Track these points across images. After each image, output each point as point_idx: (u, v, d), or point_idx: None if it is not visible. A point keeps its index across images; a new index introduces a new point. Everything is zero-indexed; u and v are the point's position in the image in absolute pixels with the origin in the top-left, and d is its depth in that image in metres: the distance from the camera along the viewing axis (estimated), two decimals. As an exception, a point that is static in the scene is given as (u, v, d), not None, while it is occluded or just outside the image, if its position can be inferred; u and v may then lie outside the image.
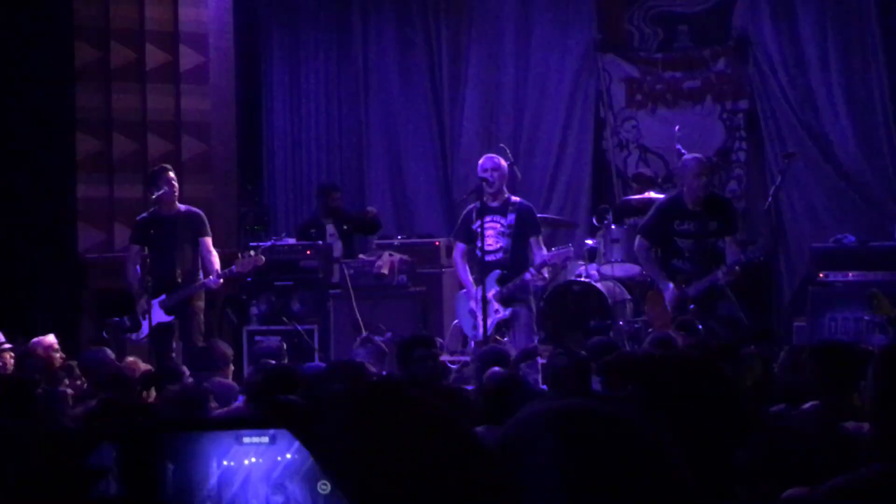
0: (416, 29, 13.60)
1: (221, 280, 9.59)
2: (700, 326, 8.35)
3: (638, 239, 9.55)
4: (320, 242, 11.55)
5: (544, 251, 9.35)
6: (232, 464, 1.85)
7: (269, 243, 11.56)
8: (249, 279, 10.84)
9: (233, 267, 9.62)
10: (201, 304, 9.63)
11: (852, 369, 5.13)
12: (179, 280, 9.52)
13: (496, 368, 6.54)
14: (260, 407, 3.24)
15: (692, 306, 9.00)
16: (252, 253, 9.86)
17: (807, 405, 5.01)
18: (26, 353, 8.04)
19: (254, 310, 11.37)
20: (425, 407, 1.75)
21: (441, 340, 11.05)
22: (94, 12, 11.47)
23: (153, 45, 11.58)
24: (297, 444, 1.83)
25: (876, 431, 2.77)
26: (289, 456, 1.84)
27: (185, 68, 11.68)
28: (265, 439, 1.86)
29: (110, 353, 8.20)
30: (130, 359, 8.20)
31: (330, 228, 11.96)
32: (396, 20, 13.66)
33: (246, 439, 1.85)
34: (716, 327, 8.72)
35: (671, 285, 9.11)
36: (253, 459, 1.85)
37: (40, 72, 11.41)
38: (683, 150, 10.70)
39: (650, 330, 10.13)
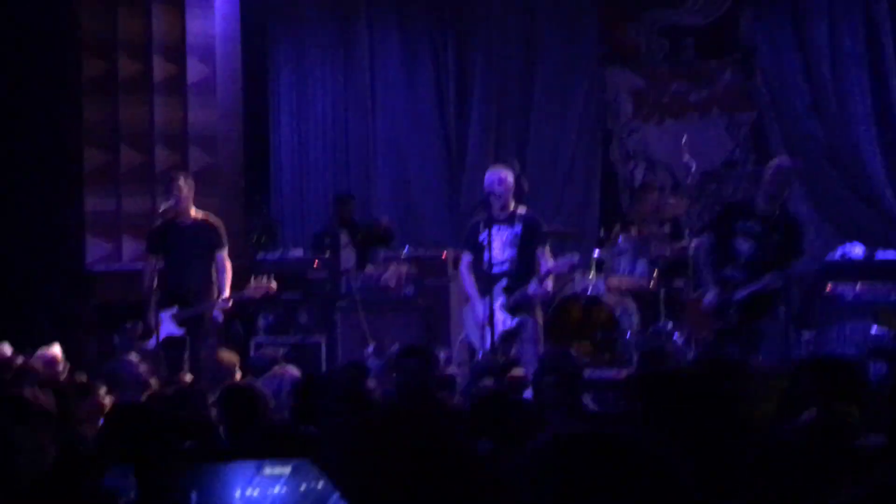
0: (423, 42, 13.61)
1: (231, 303, 9.57)
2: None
3: (699, 239, 9.40)
4: (327, 255, 11.56)
5: (550, 261, 9.35)
6: (255, 493, 1.85)
7: (276, 255, 11.59)
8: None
9: (244, 292, 9.58)
10: (218, 319, 9.60)
11: (849, 383, 5.17)
12: (193, 293, 9.50)
13: (487, 381, 6.55)
14: (279, 436, 3.25)
15: (731, 311, 8.75)
16: (265, 278, 9.79)
17: (803, 416, 5.04)
18: (23, 370, 7.85)
19: (261, 321, 11.38)
20: (439, 432, 1.77)
21: (448, 352, 11.05)
22: (101, 25, 11.49)
23: (160, 57, 11.60)
24: (318, 473, 1.83)
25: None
26: (311, 485, 1.85)
27: (193, 80, 11.69)
28: (287, 469, 1.86)
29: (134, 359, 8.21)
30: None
31: (344, 238, 11.97)
32: (401, 33, 13.68)
33: (268, 469, 1.86)
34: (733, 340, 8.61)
35: (714, 294, 8.86)
36: (276, 489, 1.86)
37: (48, 84, 11.45)
38: (691, 163, 10.70)
39: (678, 337, 10.17)
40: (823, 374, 5.43)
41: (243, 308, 10.79)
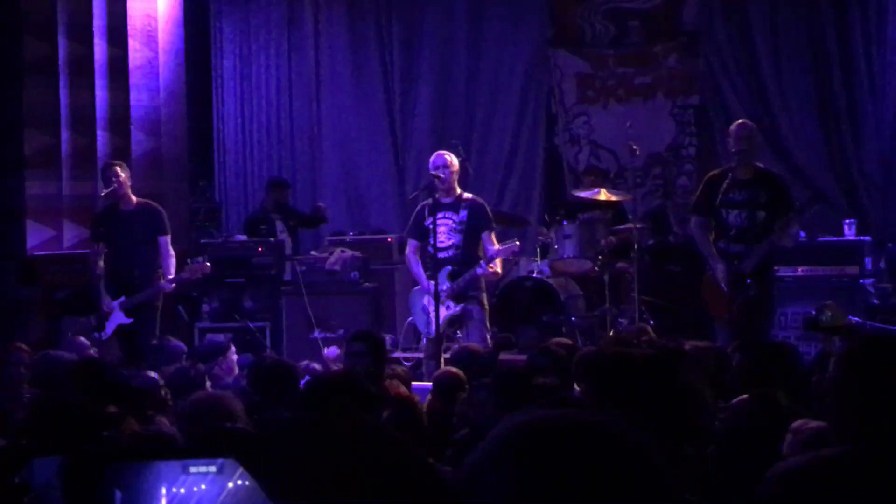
0: (368, 24, 13.57)
1: (174, 285, 9.54)
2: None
3: (691, 218, 9.26)
4: (272, 239, 11.51)
5: (496, 246, 9.35)
6: (181, 491, 1.83)
7: (220, 240, 11.53)
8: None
9: (181, 275, 9.55)
10: (159, 304, 9.57)
11: (778, 367, 5.23)
12: (138, 279, 9.45)
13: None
14: (206, 434, 3.22)
15: (749, 281, 8.56)
16: (200, 259, 9.81)
17: (735, 401, 5.09)
18: None
19: (205, 307, 11.33)
20: (376, 432, 1.75)
21: (394, 337, 11.06)
22: (41, 6, 11.34)
23: (102, 41, 11.47)
24: (244, 472, 1.81)
25: (835, 426, 2.86)
26: (237, 483, 1.83)
27: (135, 64, 11.56)
28: (213, 468, 1.85)
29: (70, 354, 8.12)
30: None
31: (279, 225, 11.92)
32: (348, 15, 13.64)
33: (193, 468, 1.84)
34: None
35: (722, 265, 8.66)
36: (202, 487, 1.84)
37: (-13, 66, 11.30)
38: (635, 146, 10.75)
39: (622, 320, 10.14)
40: (754, 359, 5.50)
41: (184, 291, 10.74)
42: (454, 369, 6.76)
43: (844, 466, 2.64)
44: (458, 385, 6.45)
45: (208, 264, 9.80)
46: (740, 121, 9.24)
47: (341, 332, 10.37)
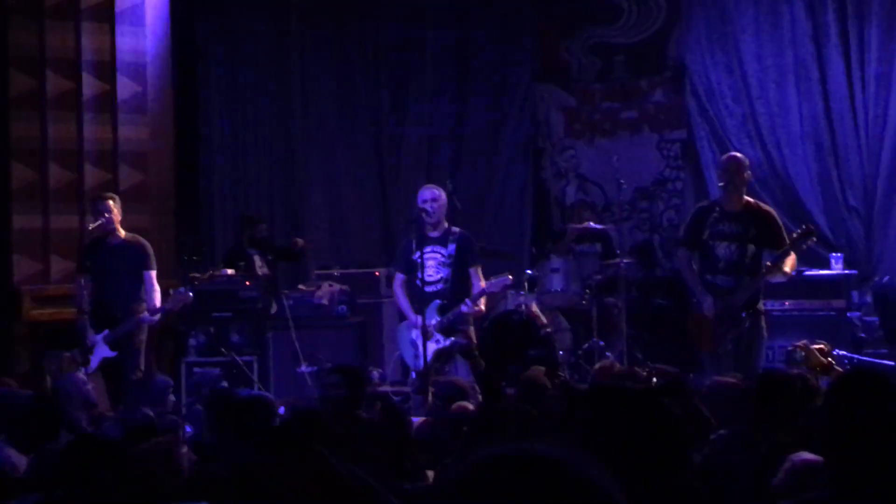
0: (356, 58, 13.59)
1: (157, 317, 9.49)
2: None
3: (678, 251, 9.19)
4: (260, 273, 11.48)
5: (482, 282, 9.36)
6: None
7: (207, 273, 11.48)
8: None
9: (164, 305, 9.51)
10: (143, 337, 9.52)
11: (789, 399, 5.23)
12: (121, 313, 9.40)
13: (462, 403, 6.56)
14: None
15: (744, 315, 8.52)
16: (182, 289, 9.78)
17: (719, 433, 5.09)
18: None
19: (192, 341, 11.26)
20: (341, 475, 1.74)
21: (380, 371, 11.04)
22: (29, 41, 11.32)
23: (89, 75, 11.46)
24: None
25: (828, 460, 2.84)
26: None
27: (123, 98, 11.56)
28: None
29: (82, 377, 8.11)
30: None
31: (258, 260, 11.87)
32: (335, 50, 13.64)
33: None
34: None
35: (710, 299, 8.59)
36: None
37: (-26, 100, 11.27)
38: (622, 181, 10.78)
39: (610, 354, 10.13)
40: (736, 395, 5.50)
41: (170, 325, 10.70)
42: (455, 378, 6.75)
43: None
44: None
45: (191, 294, 9.77)
46: (729, 154, 9.26)
47: (329, 366, 10.33)
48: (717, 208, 8.66)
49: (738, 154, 9.25)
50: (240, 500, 1.65)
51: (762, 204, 9.12)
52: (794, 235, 8.59)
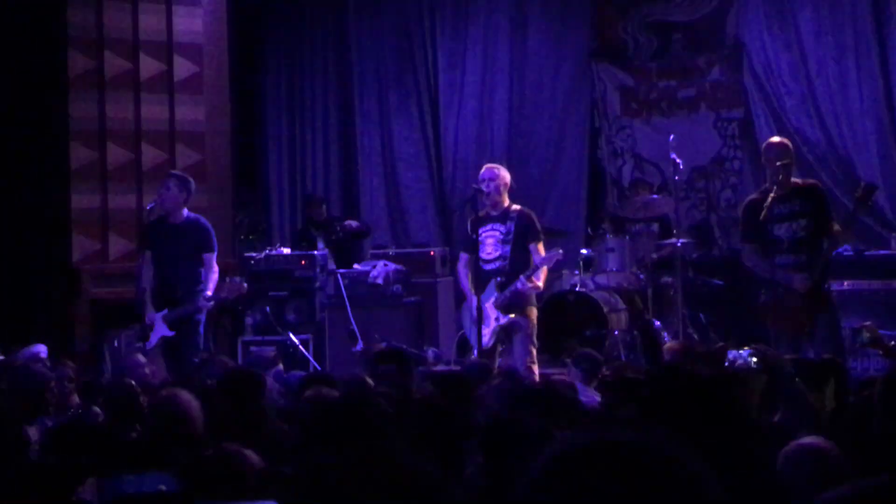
0: (413, 38, 13.59)
1: (212, 303, 9.52)
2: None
3: (743, 248, 9.05)
4: (315, 252, 11.54)
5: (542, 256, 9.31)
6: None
7: (263, 253, 11.55)
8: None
9: (219, 293, 9.52)
10: (202, 318, 9.54)
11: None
12: (180, 294, 9.44)
13: None
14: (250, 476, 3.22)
15: (823, 292, 8.46)
16: (238, 279, 9.82)
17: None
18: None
19: (248, 320, 11.35)
20: (415, 475, 1.73)
21: (437, 350, 11.05)
22: (87, 22, 11.42)
23: (147, 55, 11.54)
24: None
25: (884, 448, 2.80)
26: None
27: (180, 78, 11.64)
28: None
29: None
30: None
31: (320, 241, 11.94)
32: (394, 30, 13.67)
33: None
34: None
35: (800, 275, 8.43)
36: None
37: (34, 81, 11.37)
38: (679, 160, 10.68)
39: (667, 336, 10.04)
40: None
41: (227, 305, 10.77)
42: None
43: (884, 497, 2.58)
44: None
45: (245, 284, 9.79)
46: (775, 139, 9.14)
47: (384, 345, 10.36)
48: (769, 194, 8.61)
49: (782, 138, 9.16)
50: (307, 500, 1.65)
51: (807, 180, 9.08)
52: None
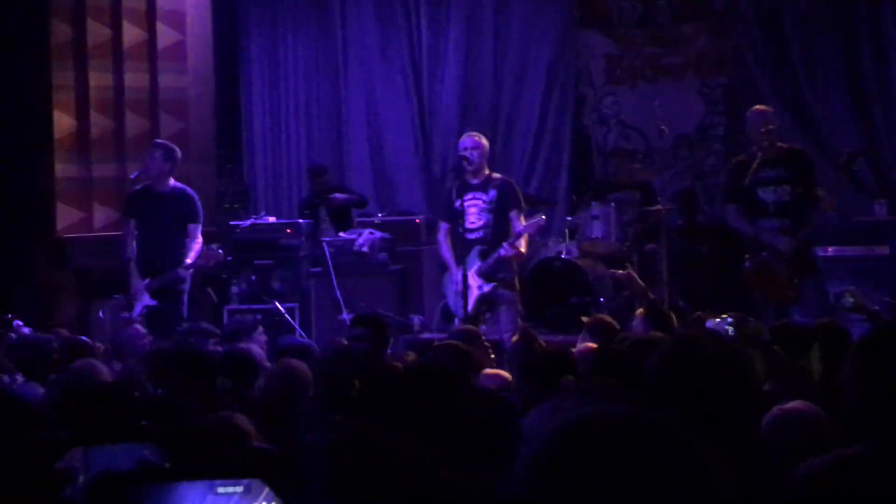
0: (396, 5, 13.52)
1: (191, 271, 9.54)
2: None
3: (726, 208, 9.15)
4: (301, 221, 11.55)
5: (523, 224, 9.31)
6: (207, 512, 1.83)
7: (248, 222, 11.54)
8: (230, 258, 10.85)
9: (196, 260, 9.54)
10: (185, 287, 9.57)
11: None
12: (163, 263, 9.45)
13: None
14: (235, 454, 3.22)
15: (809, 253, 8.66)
16: (214, 246, 9.86)
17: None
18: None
19: (234, 288, 11.36)
20: (405, 456, 1.74)
21: (422, 318, 11.07)
22: (69, -10, 11.36)
23: (130, 23, 11.48)
24: (271, 493, 1.81)
25: (861, 416, 2.79)
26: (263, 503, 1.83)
27: (163, 46, 11.59)
28: (239, 489, 1.85)
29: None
30: None
31: (322, 211, 11.96)
32: (375, 2, 13.57)
33: (220, 489, 1.84)
34: None
35: (784, 238, 8.57)
36: (228, 508, 1.84)
37: (16, 50, 11.30)
38: (664, 127, 10.68)
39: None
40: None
41: (212, 274, 10.79)
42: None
43: (863, 466, 2.60)
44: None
45: (221, 251, 9.88)
46: (759, 108, 9.19)
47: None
48: (755, 157, 8.65)
49: (765, 107, 9.23)
50: (291, 479, 1.66)
51: (794, 146, 9.15)
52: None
